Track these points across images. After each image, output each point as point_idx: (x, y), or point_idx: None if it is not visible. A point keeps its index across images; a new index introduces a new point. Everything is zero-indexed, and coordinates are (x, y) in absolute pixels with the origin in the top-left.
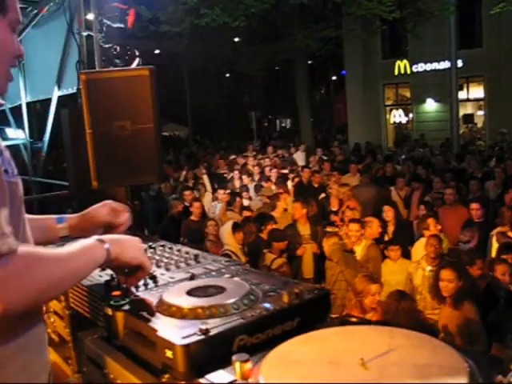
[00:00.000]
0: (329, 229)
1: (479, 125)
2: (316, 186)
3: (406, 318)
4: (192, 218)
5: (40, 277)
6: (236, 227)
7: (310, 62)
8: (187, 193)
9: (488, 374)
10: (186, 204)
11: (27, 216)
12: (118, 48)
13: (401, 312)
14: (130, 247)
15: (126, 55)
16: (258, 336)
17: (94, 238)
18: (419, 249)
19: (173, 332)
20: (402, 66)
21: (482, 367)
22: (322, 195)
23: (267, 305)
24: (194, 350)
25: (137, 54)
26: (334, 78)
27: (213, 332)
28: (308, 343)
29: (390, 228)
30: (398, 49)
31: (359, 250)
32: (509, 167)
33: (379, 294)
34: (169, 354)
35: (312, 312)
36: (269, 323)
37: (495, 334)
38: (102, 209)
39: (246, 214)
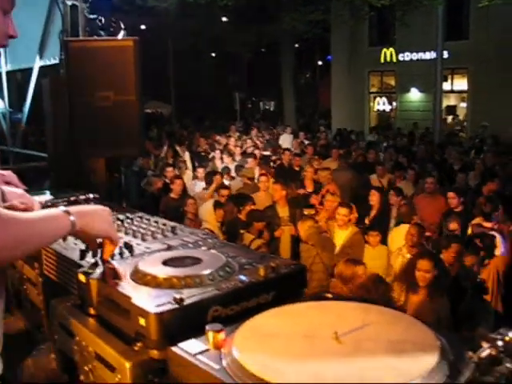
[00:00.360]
0: (306, 211)
1: (461, 117)
2: (297, 169)
3: (380, 303)
4: (172, 195)
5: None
6: (218, 205)
7: (296, 45)
8: (169, 169)
9: (459, 351)
10: (166, 181)
11: None
12: (103, 19)
13: (377, 295)
14: (97, 220)
15: (110, 27)
16: (233, 308)
17: (61, 208)
18: (396, 235)
19: (147, 300)
20: (388, 53)
21: (454, 344)
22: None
23: (243, 277)
24: (167, 318)
25: (122, 26)
26: (319, 62)
27: (187, 301)
28: (282, 316)
29: (372, 212)
30: (385, 36)
31: (344, 235)
32: (487, 159)
33: (365, 275)
34: (142, 321)
35: (288, 286)
36: (244, 295)
37: (465, 324)
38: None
39: (224, 192)
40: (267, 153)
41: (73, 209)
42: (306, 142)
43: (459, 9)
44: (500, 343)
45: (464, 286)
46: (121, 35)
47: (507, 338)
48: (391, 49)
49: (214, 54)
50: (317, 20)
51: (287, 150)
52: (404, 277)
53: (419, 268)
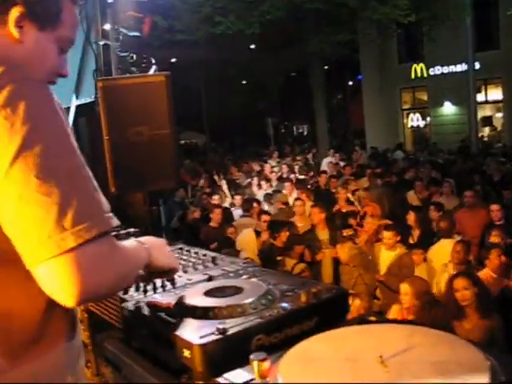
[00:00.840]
0: (345, 232)
1: (498, 127)
2: (333, 191)
3: (436, 325)
4: (212, 224)
5: (118, 263)
6: (259, 232)
7: (325, 67)
8: (215, 197)
9: (510, 371)
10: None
11: None
12: (135, 56)
13: (431, 318)
14: (164, 251)
15: (142, 63)
16: (276, 335)
17: (133, 240)
18: (438, 251)
19: (190, 332)
20: (418, 69)
21: (505, 365)
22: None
23: (285, 304)
24: (211, 349)
25: (153, 61)
26: (350, 82)
27: (230, 331)
28: (326, 341)
29: (415, 232)
30: (414, 52)
31: (391, 256)
32: None
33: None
34: (187, 353)
35: (330, 311)
36: (286, 323)
37: None
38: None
39: (265, 218)
40: (303, 176)
41: (144, 239)
42: (342, 164)
43: (487, 18)
44: None
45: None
46: (152, 70)
47: None
48: (421, 64)
49: (244, 82)
50: (344, 41)
51: (323, 172)
52: (447, 303)
53: (456, 288)
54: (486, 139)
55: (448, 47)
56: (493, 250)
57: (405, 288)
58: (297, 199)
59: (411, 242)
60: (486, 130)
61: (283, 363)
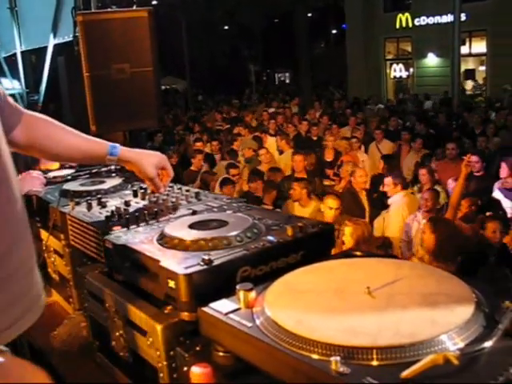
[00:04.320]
0: (326, 182)
1: (480, 81)
2: (314, 138)
3: None
4: (192, 168)
5: None
6: (224, 182)
7: (309, 14)
8: (198, 144)
9: (495, 302)
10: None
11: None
12: None
13: None
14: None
15: (122, 1)
16: (262, 268)
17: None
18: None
19: (175, 263)
20: (403, 19)
21: (489, 296)
22: None
23: (270, 237)
24: (196, 279)
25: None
26: (334, 31)
27: (216, 262)
28: (314, 273)
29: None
30: (399, 1)
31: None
32: (509, 122)
33: None
34: (171, 284)
35: (316, 246)
36: (272, 255)
37: None
38: (151, 167)
39: (233, 172)
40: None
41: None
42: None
43: None
44: None
45: (487, 253)
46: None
47: None
48: (407, 14)
49: (227, 27)
50: None
51: (304, 119)
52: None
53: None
54: (468, 92)
55: None
56: (463, 201)
57: (347, 230)
58: (260, 148)
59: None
60: (469, 83)
61: (269, 294)
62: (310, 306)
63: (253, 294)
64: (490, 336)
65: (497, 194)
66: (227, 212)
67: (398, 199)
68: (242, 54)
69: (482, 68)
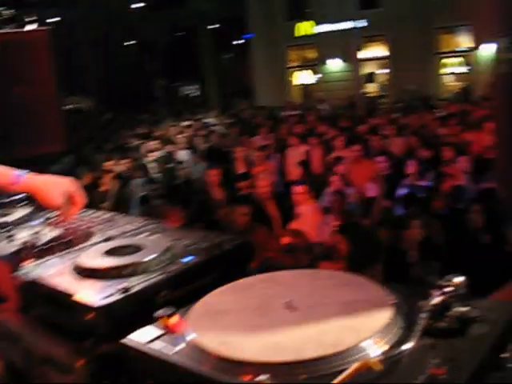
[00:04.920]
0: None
1: (383, 83)
2: (226, 149)
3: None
4: (101, 188)
5: None
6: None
7: (213, 26)
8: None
9: (412, 302)
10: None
11: None
12: (11, 12)
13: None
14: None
15: (20, 20)
16: (182, 290)
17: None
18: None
19: (91, 294)
20: (305, 27)
21: (406, 297)
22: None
23: (188, 258)
24: (114, 309)
25: (33, 19)
26: (238, 42)
27: (133, 289)
28: (233, 292)
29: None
30: (301, 10)
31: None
32: (413, 120)
33: None
34: (89, 316)
35: (234, 262)
36: (191, 276)
37: None
38: (57, 196)
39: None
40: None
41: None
42: (231, 121)
43: None
44: (449, 289)
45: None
46: (31, 27)
47: (454, 284)
48: (308, 21)
49: (132, 42)
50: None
51: (213, 131)
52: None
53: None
54: (370, 95)
55: (334, 5)
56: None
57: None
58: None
59: None
60: (372, 86)
61: (191, 317)
62: (231, 326)
63: (174, 319)
64: (409, 337)
65: (404, 190)
66: (142, 235)
67: (307, 207)
68: (148, 69)
69: (384, 71)
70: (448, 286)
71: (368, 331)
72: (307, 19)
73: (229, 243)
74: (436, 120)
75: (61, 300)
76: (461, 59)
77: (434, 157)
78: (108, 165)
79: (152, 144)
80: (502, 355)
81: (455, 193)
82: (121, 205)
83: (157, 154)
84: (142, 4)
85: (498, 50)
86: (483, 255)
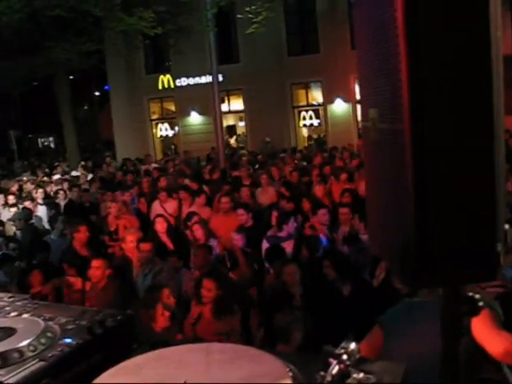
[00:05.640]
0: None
1: (241, 135)
2: (87, 204)
3: None
4: None
5: None
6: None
7: (72, 77)
8: None
9: (311, 373)
10: None
11: None
12: None
13: None
14: None
15: None
16: (65, 376)
17: None
18: None
19: None
20: (165, 80)
21: (304, 367)
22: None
23: (68, 340)
24: None
25: None
26: (97, 93)
27: (8, 382)
28: (124, 374)
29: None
30: (161, 64)
31: None
32: (274, 172)
33: None
34: None
35: (119, 338)
36: (74, 360)
37: (281, 335)
38: None
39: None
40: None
41: None
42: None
43: (229, 35)
44: (345, 357)
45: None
46: None
47: (349, 350)
48: (168, 75)
49: None
50: (90, 51)
51: (75, 186)
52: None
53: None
54: (232, 146)
55: (193, 59)
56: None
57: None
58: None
59: None
60: (232, 138)
61: None
62: None
63: None
64: None
65: (265, 243)
66: (12, 315)
67: None
68: (1, 120)
69: (242, 123)
70: (345, 353)
71: None
72: (168, 72)
73: (111, 319)
74: (295, 171)
75: None
76: (315, 113)
77: (295, 208)
78: None
79: (9, 199)
80: None
81: (313, 243)
82: None
83: (14, 210)
84: None
85: (369, 119)
86: (341, 304)
